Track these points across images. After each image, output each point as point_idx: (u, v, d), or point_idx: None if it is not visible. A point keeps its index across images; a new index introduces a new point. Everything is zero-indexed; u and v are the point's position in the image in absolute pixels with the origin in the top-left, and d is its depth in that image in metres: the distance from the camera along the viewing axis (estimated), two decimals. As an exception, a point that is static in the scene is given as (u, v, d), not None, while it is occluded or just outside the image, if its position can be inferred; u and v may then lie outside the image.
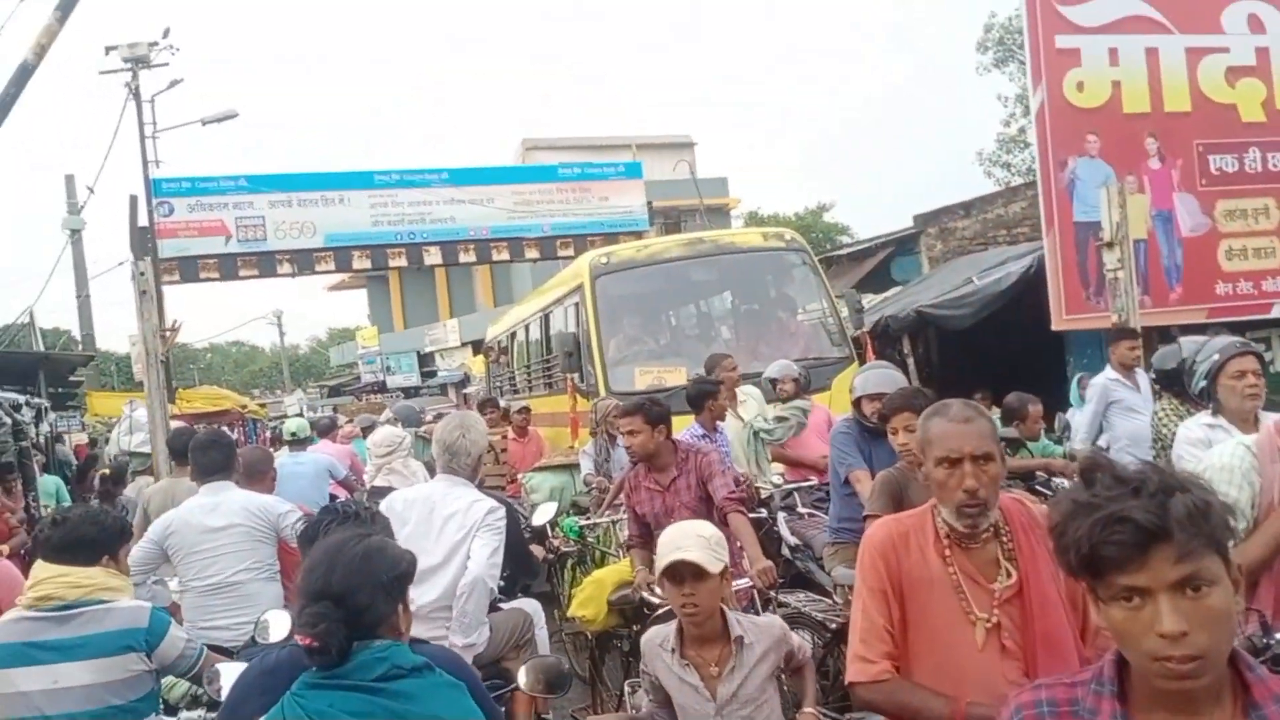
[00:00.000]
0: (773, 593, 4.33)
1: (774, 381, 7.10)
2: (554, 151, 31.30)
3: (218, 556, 4.25)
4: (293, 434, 8.62)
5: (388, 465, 6.57)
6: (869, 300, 10.81)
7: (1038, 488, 5.70)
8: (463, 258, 20.11)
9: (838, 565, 4.74)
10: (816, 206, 39.87)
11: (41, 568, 3.08)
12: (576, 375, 9.27)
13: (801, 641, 2.94)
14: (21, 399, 9.47)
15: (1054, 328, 9.80)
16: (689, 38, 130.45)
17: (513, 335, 13.75)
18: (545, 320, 11.23)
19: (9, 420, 7.47)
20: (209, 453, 4.54)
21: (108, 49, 18.77)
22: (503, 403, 10.95)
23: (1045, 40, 9.83)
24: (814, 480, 6.60)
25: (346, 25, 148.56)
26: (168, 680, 3.32)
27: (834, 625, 4.42)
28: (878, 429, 4.66)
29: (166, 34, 19.10)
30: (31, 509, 7.79)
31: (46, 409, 11.62)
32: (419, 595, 3.80)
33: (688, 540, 2.68)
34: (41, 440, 11.59)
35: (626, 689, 3.65)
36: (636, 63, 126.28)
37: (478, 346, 31.76)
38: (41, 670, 2.91)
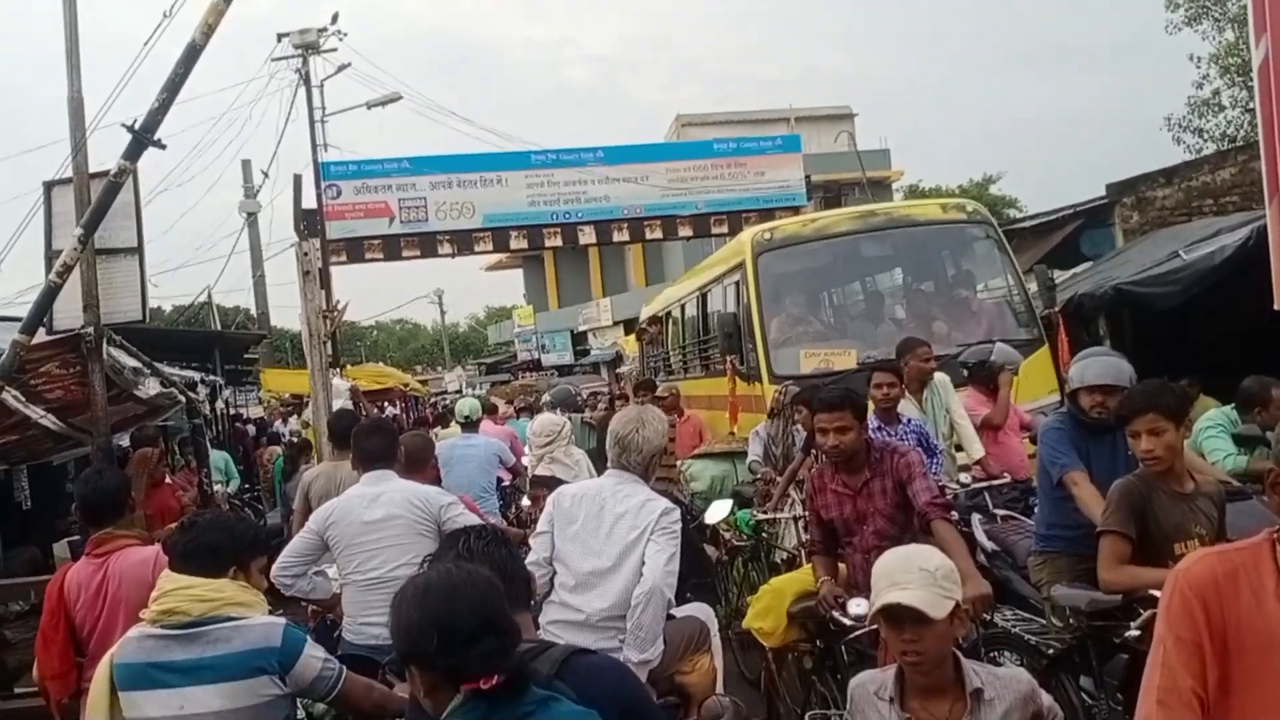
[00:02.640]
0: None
1: (973, 366, 6.49)
2: (709, 127, 30.84)
3: (379, 550, 4.07)
4: (466, 416, 8.45)
5: (549, 454, 6.32)
6: (1057, 277, 9.92)
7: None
8: (616, 236, 19.92)
9: (1047, 578, 4.19)
10: (983, 178, 38.07)
11: (167, 578, 2.85)
12: (736, 357, 8.86)
13: (1053, 703, 2.42)
14: (197, 376, 9.76)
15: (1277, 307, 8.70)
16: (844, 4, 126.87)
17: (668, 314, 13.47)
18: (703, 299, 10.86)
19: (184, 398, 7.61)
20: (372, 439, 4.36)
21: (280, 36, 19.49)
22: (660, 386, 10.65)
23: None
24: (1007, 478, 6.02)
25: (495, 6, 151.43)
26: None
27: (1050, 651, 3.87)
28: (1097, 426, 4.11)
29: (335, 19, 19.63)
30: (204, 485, 7.96)
31: (221, 385, 12.05)
32: (586, 602, 3.51)
33: (908, 575, 2.22)
34: (219, 417, 12.07)
35: (809, 721, 3.22)
36: (794, 28, 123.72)
37: (630, 326, 31.95)
38: (167, 694, 2.69)
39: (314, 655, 2.89)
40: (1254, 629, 1.70)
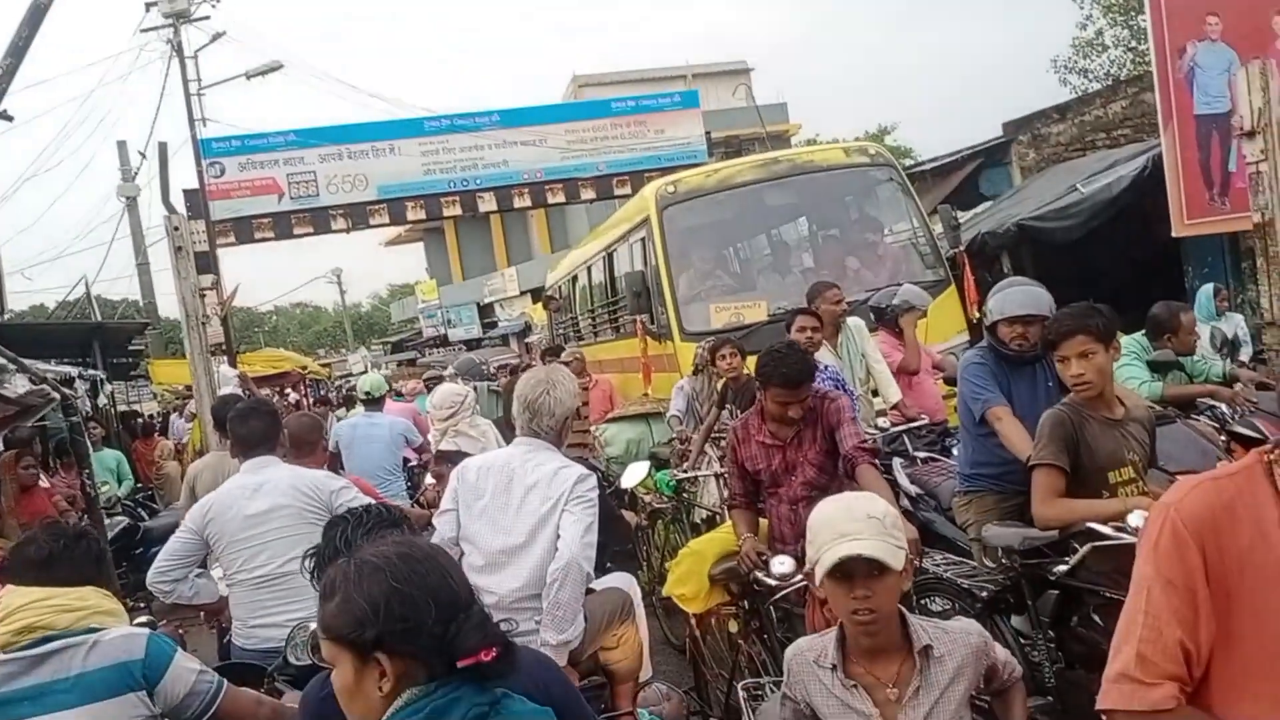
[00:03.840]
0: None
1: (881, 310, 6.37)
2: (606, 87, 30.50)
3: (265, 544, 3.72)
4: (367, 393, 8.09)
5: (452, 427, 6.01)
6: (960, 217, 9.94)
7: (1203, 419, 4.91)
8: (517, 202, 19.59)
9: (974, 518, 4.08)
10: (878, 129, 38.44)
11: (16, 594, 2.47)
12: (646, 317, 8.69)
13: (1009, 657, 2.24)
14: (74, 371, 9.13)
15: (1175, 234, 8.87)
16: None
17: (574, 279, 13.22)
18: (609, 260, 10.64)
19: (57, 395, 7.04)
20: (249, 423, 4.00)
21: (148, 5, 18.43)
22: (566, 351, 10.40)
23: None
24: (925, 419, 5.94)
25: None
26: None
27: (984, 594, 3.75)
28: (1018, 358, 3.99)
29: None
30: (87, 487, 7.43)
31: (103, 380, 11.35)
32: (498, 583, 3.26)
33: (857, 524, 1.98)
34: (103, 413, 11.39)
35: (742, 694, 3.01)
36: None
37: (537, 295, 31.46)
38: None
39: (186, 666, 2.56)
40: (1257, 565, 1.48)
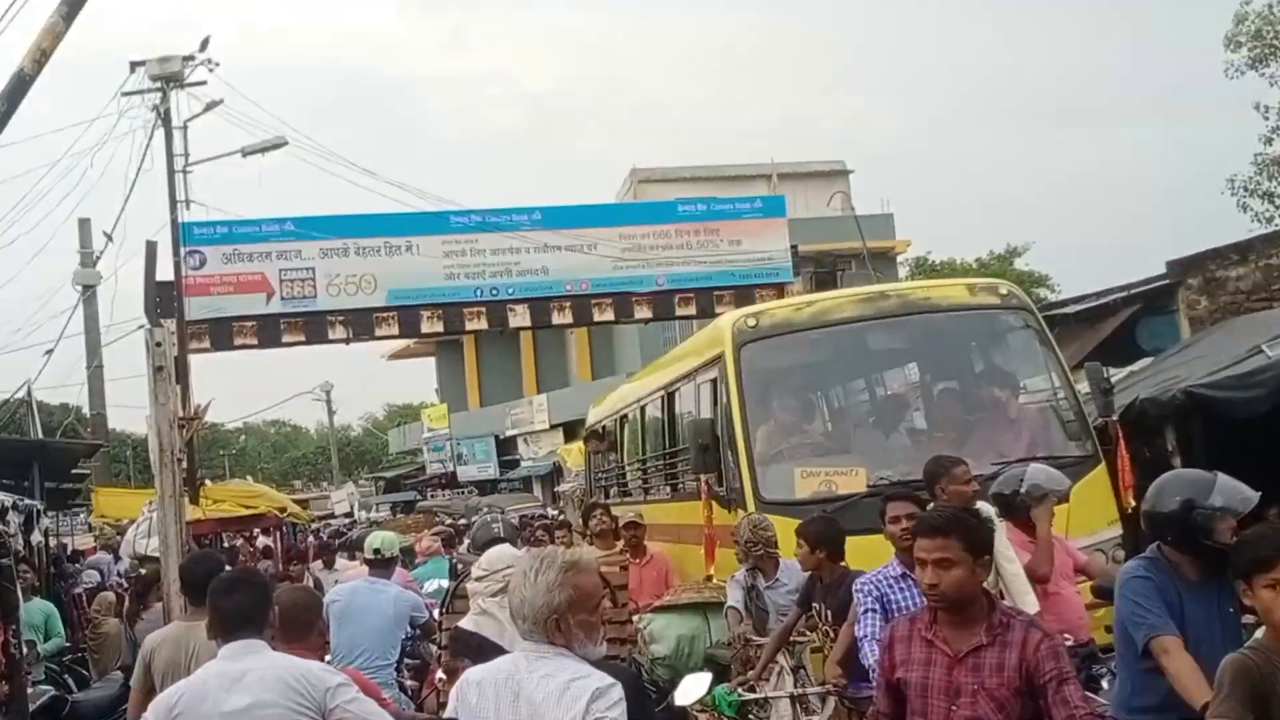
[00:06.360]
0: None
1: (1007, 497, 6.38)
2: (671, 184, 31.35)
3: (242, 751, 3.79)
4: (376, 551, 8.19)
5: (481, 600, 6.04)
6: (1112, 376, 9.97)
7: None
8: (556, 318, 19.83)
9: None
10: (1007, 250, 38.91)
11: None
12: (713, 476, 8.73)
13: None
14: (8, 500, 9.37)
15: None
16: (834, 41, 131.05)
17: (622, 419, 13.40)
18: (669, 401, 10.80)
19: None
20: (233, 596, 4.13)
21: (133, 64, 19.32)
22: (614, 512, 10.45)
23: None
24: (1068, 640, 5.86)
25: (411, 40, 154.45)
26: None
27: None
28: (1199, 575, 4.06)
29: (205, 45, 19.55)
30: (10, 646, 7.56)
31: (40, 511, 11.60)
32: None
33: None
34: (35, 553, 11.58)
35: None
36: (772, 69, 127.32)
37: (571, 432, 31.79)
38: None
39: None
40: None
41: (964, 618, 3.79)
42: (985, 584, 5.92)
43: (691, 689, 5.10)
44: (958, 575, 3.75)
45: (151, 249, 11.71)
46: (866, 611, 5.41)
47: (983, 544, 3.85)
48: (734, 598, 7.17)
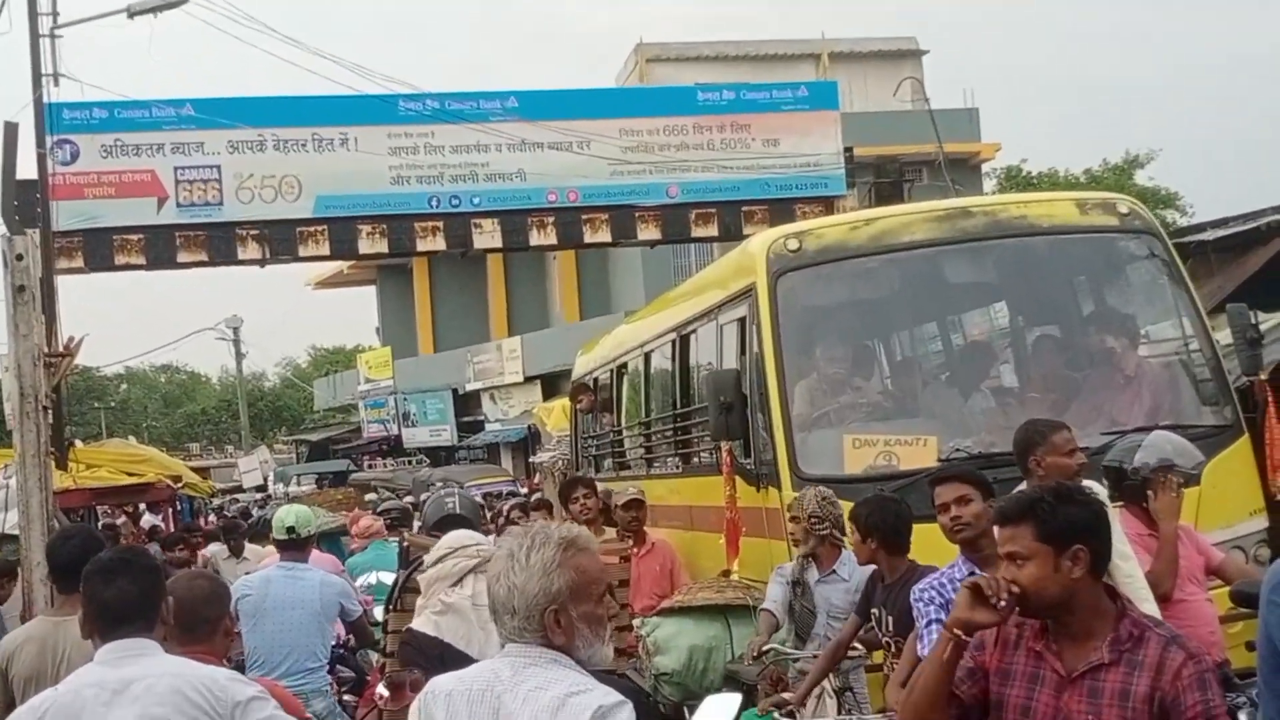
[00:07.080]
0: None
1: (1122, 472, 6.34)
2: (689, 65, 31.17)
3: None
4: (290, 530, 8.20)
5: (440, 596, 6.14)
6: (1262, 323, 9.93)
7: None
8: (535, 238, 19.97)
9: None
10: (1125, 159, 38.88)
11: None
12: (738, 444, 8.87)
13: None
14: None
15: None
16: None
17: (620, 370, 13.59)
18: (681, 346, 10.95)
19: None
20: (115, 583, 4.15)
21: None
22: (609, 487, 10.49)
23: None
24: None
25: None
26: None
27: None
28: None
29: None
30: None
31: None
32: None
33: None
34: None
35: None
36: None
37: (553, 387, 31.88)
38: None
39: None
40: None
41: (1077, 627, 3.83)
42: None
43: (714, 712, 5.08)
44: (1031, 574, 3.81)
45: (11, 133, 11.54)
46: (930, 623, 5.47)
47: (1066, 531, 3.84)
48: (772, 596, 7.29)
